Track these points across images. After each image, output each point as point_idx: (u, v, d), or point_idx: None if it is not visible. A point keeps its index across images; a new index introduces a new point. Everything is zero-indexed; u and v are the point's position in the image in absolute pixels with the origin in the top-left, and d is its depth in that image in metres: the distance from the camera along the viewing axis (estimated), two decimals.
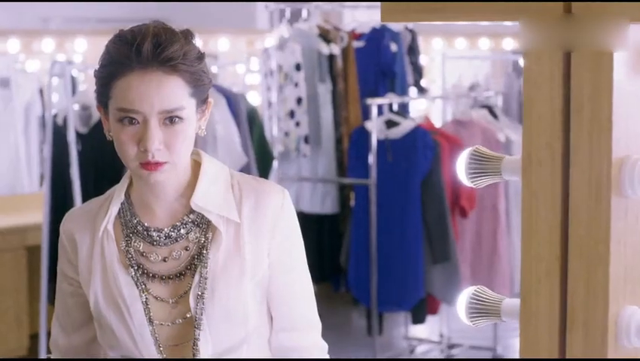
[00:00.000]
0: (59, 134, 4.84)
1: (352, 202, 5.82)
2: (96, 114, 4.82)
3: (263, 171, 5.45)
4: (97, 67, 1.75)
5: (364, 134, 5.43)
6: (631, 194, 1.07)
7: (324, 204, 6.07)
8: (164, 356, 1.79)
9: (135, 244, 1.81)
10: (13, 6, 7.29)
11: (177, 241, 1.80)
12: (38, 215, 5.33)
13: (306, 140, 5.97)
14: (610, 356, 1.07)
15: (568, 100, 1.07)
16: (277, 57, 5.93)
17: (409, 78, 6.37)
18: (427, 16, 1.14)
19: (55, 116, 4.94)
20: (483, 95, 6.11)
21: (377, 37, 6.18)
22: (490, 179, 1.17)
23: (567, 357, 1.08)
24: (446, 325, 5.91)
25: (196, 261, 1.79)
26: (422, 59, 6.86)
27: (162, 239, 1.80)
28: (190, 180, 1.80)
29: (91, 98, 4.91)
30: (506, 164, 1.16)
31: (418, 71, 6.48)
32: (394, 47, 6.17)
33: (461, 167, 1.16)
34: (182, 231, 1.80)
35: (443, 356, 5.92)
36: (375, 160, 5.31)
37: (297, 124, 5.95)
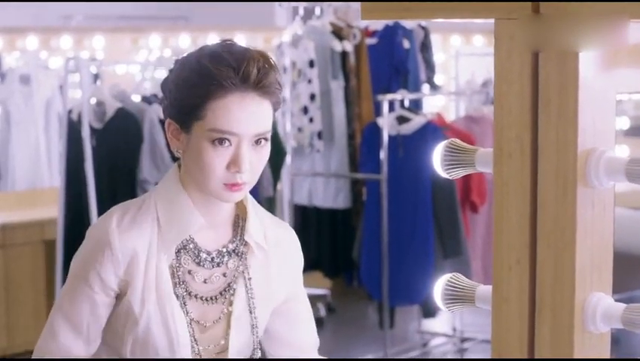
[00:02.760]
0: (73, 129, 4.83)
1: (364, 197, 5.86)
2: (111, 110, 4.82)
3: (276, 166, 5.48)
4: (174, 85, 1.73)
5: (376, 130, 5.45)
6: (597, 185, 1.10)
7: (336, 199, 6.10)
8: None
9: (184, 261, 1.81)
10: (35, 4, 7.37)
11: (219, 265, 1.83)
12: (55, 210, 5.40)
13: (320, 135, 6.00)
14: (576, 341, 1.11)
15: (536, 95, 1.10)
16: (290, 54, 5.97)
17: (422, 75, 6.39)
18: (402, 14, 1.17)
19: (70, 111, 4.93)
20: None
21: (390, 34, 6.20)
22: (464, 170, 1.21)
23: (536, 342, 1.12)
24: (459, 318, 5.94)
25: (231, 289, 1.83)
26: (440, 57, 6.86)
27: (207, 261, 1.82)
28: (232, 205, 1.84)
29: (106, 94, 4.95)
30: (479, 156, 1.19)
31: (431, 68, 6.50)
32: (406, 44, 6.19)
33: (436, 158, 1.21)
34: (225, 258, 1.83)
35: (455, 349, 5.95)
36: (386, 156, 5.32)
37: (311, 120, 5.99)
